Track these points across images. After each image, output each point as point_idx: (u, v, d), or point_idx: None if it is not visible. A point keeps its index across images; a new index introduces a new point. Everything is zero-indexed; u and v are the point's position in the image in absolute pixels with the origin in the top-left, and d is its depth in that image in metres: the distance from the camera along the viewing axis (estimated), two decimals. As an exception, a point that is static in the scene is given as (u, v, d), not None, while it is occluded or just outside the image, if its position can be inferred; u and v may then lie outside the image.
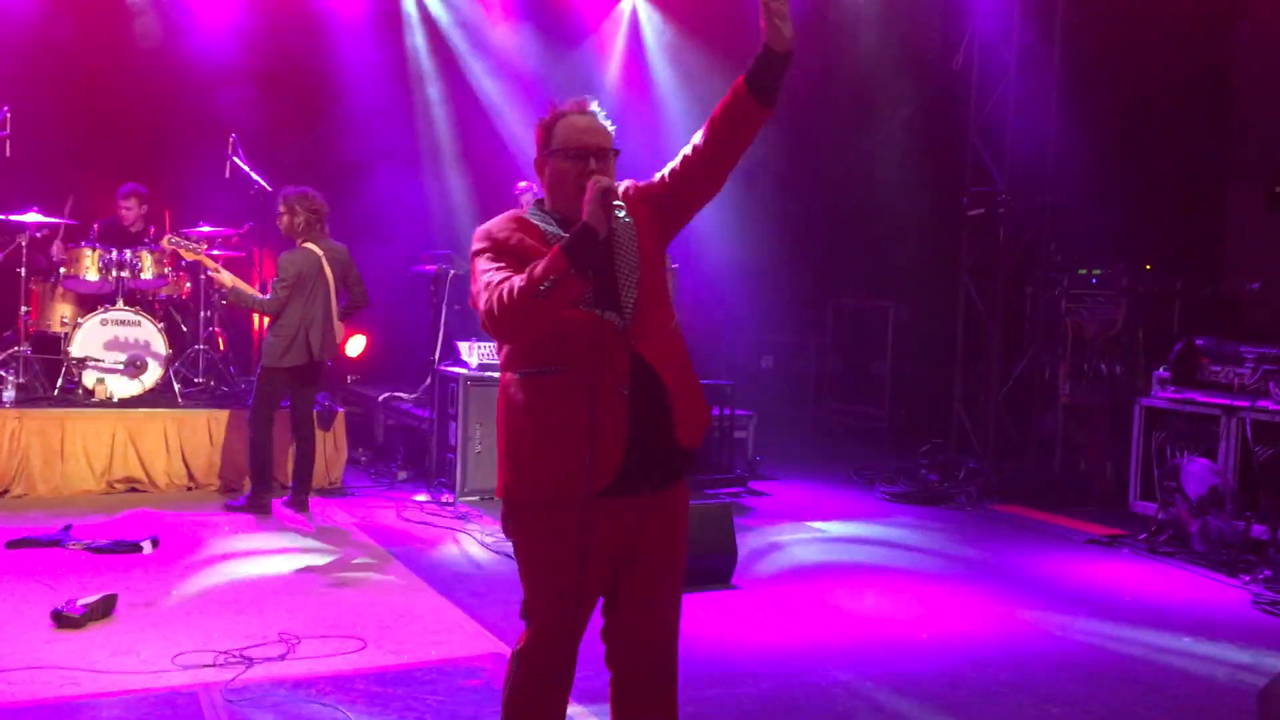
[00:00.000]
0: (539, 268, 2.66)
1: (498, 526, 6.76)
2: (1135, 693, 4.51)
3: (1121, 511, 7.62)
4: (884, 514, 7.83)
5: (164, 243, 7.31)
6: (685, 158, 2.94)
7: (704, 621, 5.15)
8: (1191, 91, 9.04)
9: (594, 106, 2.98)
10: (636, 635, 2.98)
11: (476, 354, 7.75)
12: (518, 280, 2.68)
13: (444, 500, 7.46)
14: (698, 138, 2.92)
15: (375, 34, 10.14)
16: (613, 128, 2.98)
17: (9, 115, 7.54)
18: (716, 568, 5.75)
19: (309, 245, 6.91)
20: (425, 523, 6.92)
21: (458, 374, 7.64)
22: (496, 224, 2.94)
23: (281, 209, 6.92)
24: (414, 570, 5.83)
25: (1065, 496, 8.26)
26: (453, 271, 8.56)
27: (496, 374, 7.62)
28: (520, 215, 2.96)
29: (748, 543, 6.29)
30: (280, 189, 7.11)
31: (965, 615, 5.47)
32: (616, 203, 2.82)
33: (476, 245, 2.90)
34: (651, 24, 11.17)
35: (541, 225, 2.91)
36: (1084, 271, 8.70)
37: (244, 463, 7.31)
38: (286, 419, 7.16)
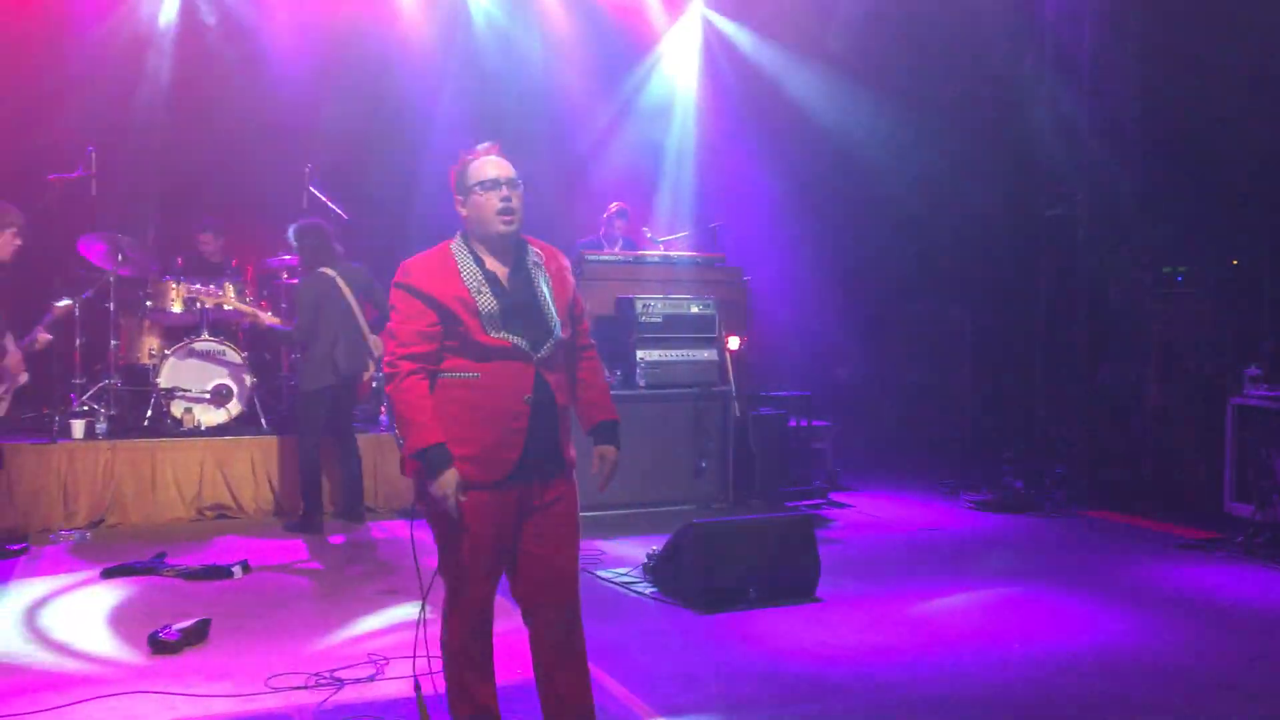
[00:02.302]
0: (409, 433, 3.34)
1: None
2: (1233, 702, 4.36)
3: (1216, 514, 7.39)
4: (969, 523, 7.69)
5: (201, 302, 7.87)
6: (577, 320, 3.68)
7: (790, 635, 5.10)
8: (1274, 82, 8.77)
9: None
10: (545, 598, 3.59)
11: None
12: (402, 405, 3.36)
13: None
14: (579, 356, 3.72)
15: (444, 62, 10.26)
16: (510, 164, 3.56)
17: (94, 155, 7.77)
18: (800, 580, 5.69)
19: (322, 270, 7.17)
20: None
21: (534, 393, 7.67)
22: (420, 264, 3.47)
23: (293, 243, 7.31)
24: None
25: (1156, 500, 8.05)
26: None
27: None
28: (445, 250, 3.49)
29: (830, 555, 6.22)
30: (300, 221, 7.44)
31: (1057, 625, 5.34)
32: (532, 255, 3.56)
33: (399, 277, 3.46)
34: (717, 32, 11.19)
35: (461, 263, 3.46)
36: (1169, 270, 8.48)
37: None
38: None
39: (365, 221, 8.77)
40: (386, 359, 3.46)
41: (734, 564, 5.54)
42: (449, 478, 3.33)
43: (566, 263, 3.67)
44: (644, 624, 5.32)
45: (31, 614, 5.35)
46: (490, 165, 3.52)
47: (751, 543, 5.67)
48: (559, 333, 3.48)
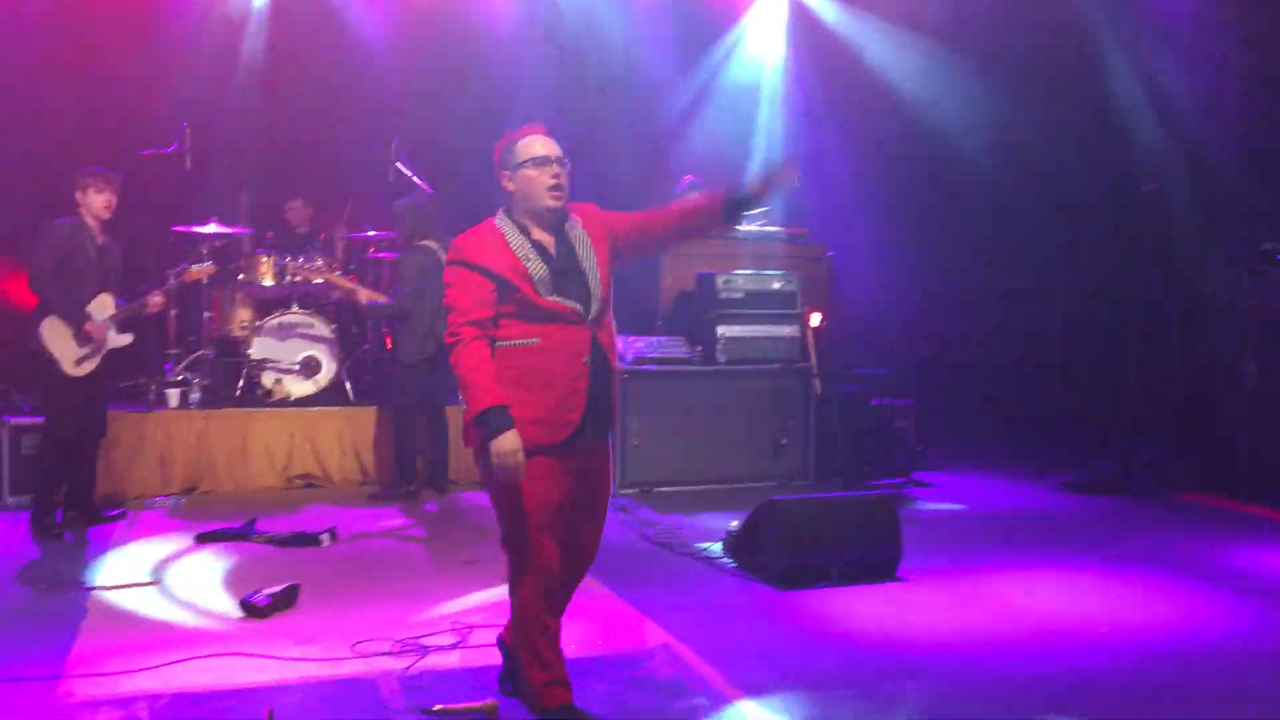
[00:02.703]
0: (472, 396, 3.51)
1: (657, 518, 6.82)
2: (1341, 693, 4.22)
3: (1318, 499, 7.15)
4: (1058, 505, 7.54)
5: (289, 274, 7.99)
6: (646, 221, 3.83)
7: (871, 614, 5.05)
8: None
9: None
10: (583, 540, 3.83)
11: (632, 348, 7.79)
12: (465, 369, 3.54)
13: (604, 493, 7.53)
14: (662, 213, 3.85)
15: (527, 36, 10.27)
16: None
17: (189, 131, 7.94)
18: (881, 560, 5.63)
19: (424, 243, 7.33)
20: (587, 515, 7.00)
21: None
22: (469, 239, 3.68)
23: (395, 219, 7.49)
24: (578, 562, 5.90)
25: (1254, 483, 7.79)
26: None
27: (653, 368, 7.74)
28: (491, 225, 3.70)
29: (913, 534, 6.14)
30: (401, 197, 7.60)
31: (1147, 608, 5.21)
32: (570, 223, 3.71)
33: (451, 255, 3.68)
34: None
35: (508, 235, 3.66)
36: (1268, 247, 8.17)
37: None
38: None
39: (449, 195, 8.84)
40: (449, 331, 3.61)
41: (814, 541, 5.50)
42: (510, 438, 3.45)
43: (602, 211, 3.83)
44: (723, 599, 5.32)
45: (132, 576, 5.53)
46: (539, 143, 3.69)
47: (832, 520, 5.62)
48: (599, 294, 3.65)
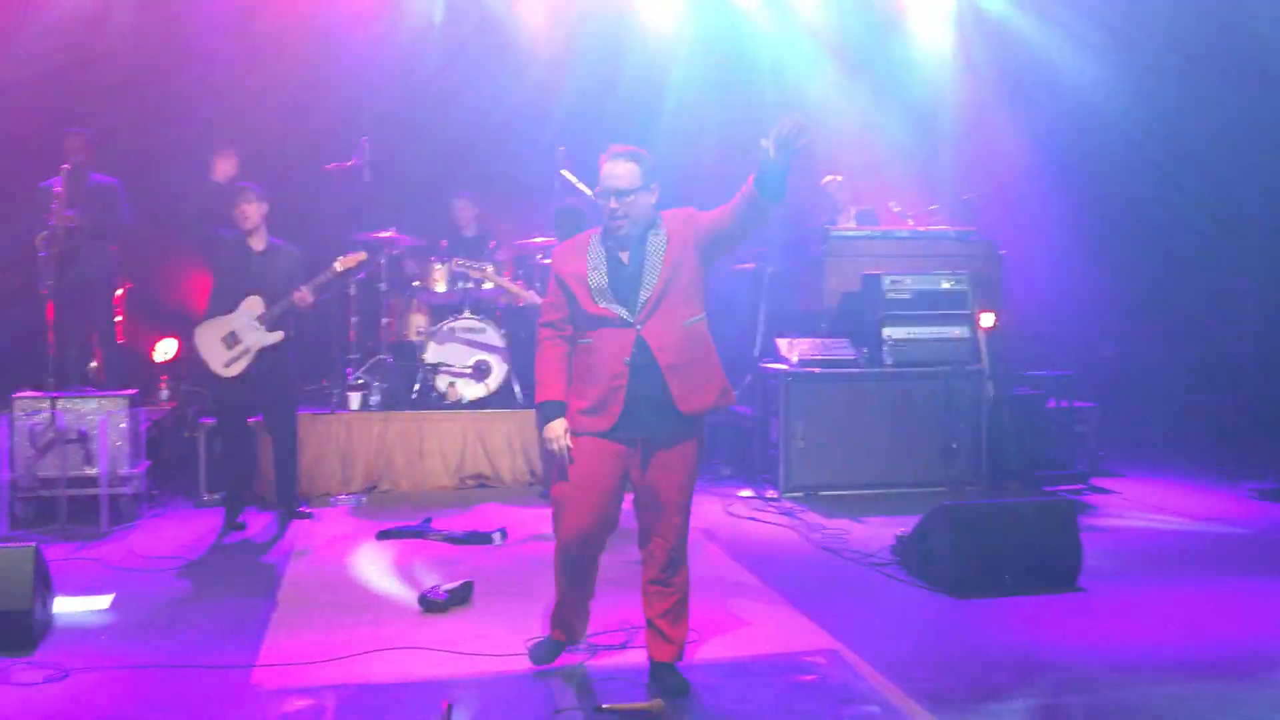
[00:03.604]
0: (536, 389, 4.11)
1: (824, 522, 6.75)
2: None
3: None
4: (1253, 513, 7.11)
5: (454, 264, 8.19)
6: (718, 216, 3.96)
7: (1049, 624, 4.88)
8: None
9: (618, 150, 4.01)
10: (656, 530, 4.12)
11: (797, 350, 7.73)
12: (536, 364, 4.12)
13: (768, 496, 7.50)
14: (728, 205, 3.91)
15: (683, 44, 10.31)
16: (635, 166, 3.95)
17: (366, 144, 8.28)
18: (1060, 569, 5.42)
19: None
20: (751, 518, 6.98)
21: (778, 370, 7.65)
22: (563, 248, 4.17)
23: (555, 228, 7.59)
24: (742, 564, 5.89)
25: None
26: (771, 269, 8.62)
27: (817, 370, 7.65)
28: (588, 235, 4.09)
29: (1093, 543, 5.89)
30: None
31: (1358, 627, 4.86)
32: (654, 231, 4.00)
33: (552, 261, 4.20)
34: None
35: (592, 245, 4.04)
36: None
37: None
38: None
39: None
40: (539, 330, 4.14)
41: (989, 549, 5.34)
42: (555, 425, 4.03)
43: (695, 214, 4.05)
44: (893, 606, 5.22)
45: (318, 571, 5.80)
46: (605, 175, 3.98)
47: (1008, 527, 5.44)
48: (647, 297, 3.93)
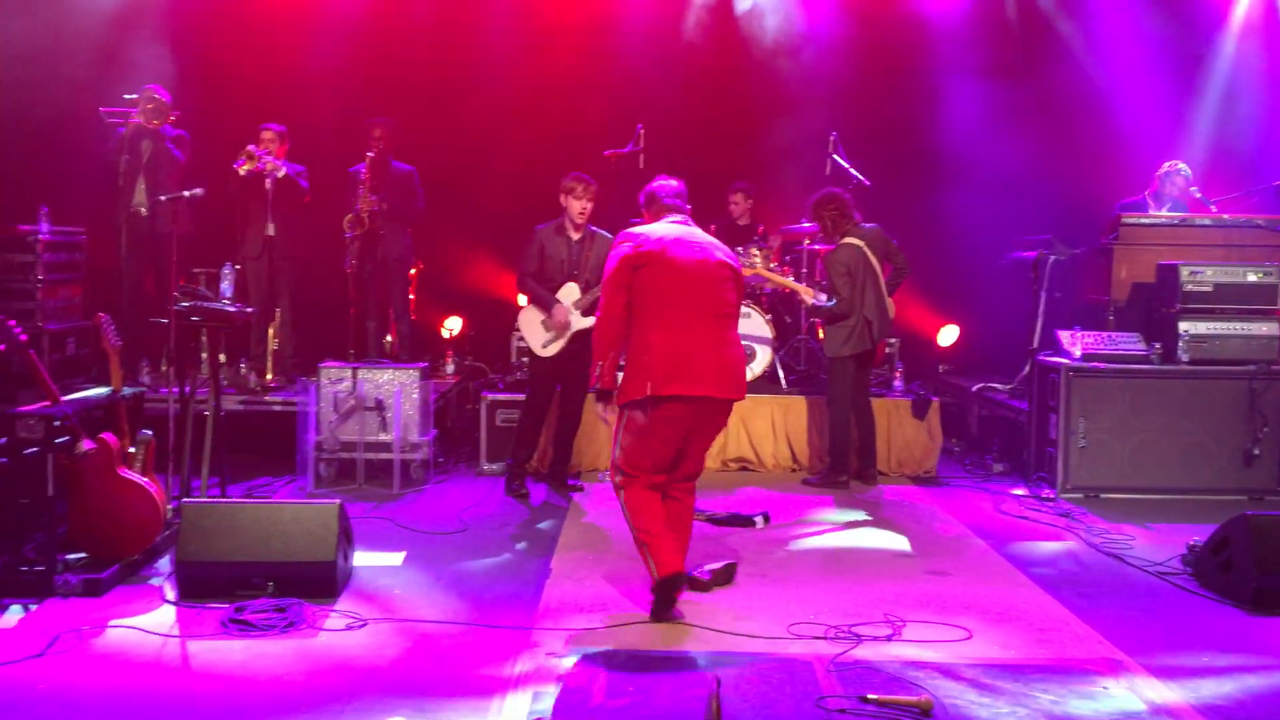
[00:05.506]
0: (601, 354, 5.02)
1: (1106, 526, 6.39)
2: None
3: None
4: None
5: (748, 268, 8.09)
6: None
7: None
8: None
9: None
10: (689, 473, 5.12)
11: (1079, 344, 7.34)
12: (599, 335, 4.99)
13: (1044, 496, 7.17)
14: None
15: (968, 28, 9.95)
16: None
17: (643, 132, 8.47)
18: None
19: (848, 240, 7.35)
20: (1024, 518, 6.70)
21: (1059, 364, 7.29)
22: (634, 232, 5.03)
23: (814, 218, 7.54)
24: (1016, 565, 5.66)
25: None
26: (1053, 257, 8.23)
27: (1102, 365, 7.24)
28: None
29: None
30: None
31: None
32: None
33: (620, 240, 5.02)
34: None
35: None
36: None
37: (825, 444, 7.73)
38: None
39: (889, 186, 8.78)
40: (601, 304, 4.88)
41: (1296, 563, 4.91)
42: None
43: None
44: (1183, 618, 4.89)
45: (590, 541, 6.03)
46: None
47: (1319, 541, 4.98)
48: None
